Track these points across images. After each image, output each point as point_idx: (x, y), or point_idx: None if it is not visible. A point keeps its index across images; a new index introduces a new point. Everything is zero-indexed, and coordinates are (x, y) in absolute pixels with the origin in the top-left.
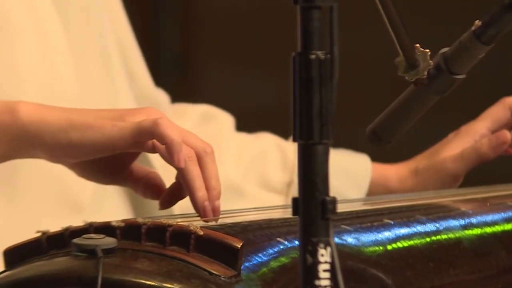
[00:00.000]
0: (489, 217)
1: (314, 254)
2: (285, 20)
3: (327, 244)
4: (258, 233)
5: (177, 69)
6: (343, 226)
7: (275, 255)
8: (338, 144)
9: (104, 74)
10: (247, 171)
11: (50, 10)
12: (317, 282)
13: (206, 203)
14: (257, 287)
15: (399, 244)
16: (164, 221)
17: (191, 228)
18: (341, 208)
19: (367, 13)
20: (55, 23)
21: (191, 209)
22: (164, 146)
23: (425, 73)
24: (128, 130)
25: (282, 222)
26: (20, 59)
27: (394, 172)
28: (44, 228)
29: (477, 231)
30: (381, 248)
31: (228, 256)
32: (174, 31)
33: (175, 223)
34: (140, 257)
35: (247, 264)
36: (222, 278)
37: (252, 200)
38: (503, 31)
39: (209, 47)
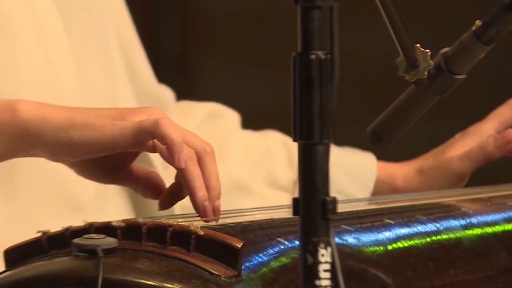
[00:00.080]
0: (489, 217)
1: (315, 254)
2: (285, 20)
3: (327, 244)
4: (258, 233)
5: (177, 69)
6: (343, 226)
7: (275, 255)
8: (339, 144)
9: (105, 74)
10: (253, 168)
11: (50, 10)
12: (317, 282)
13: (206, 203)
14: (258, 287)
15: (400, 244)
16: (165, 221)
17: (192, 228)
18: (341, 208)
19: (367, 13)
20: (56, 22)
21: (191, 209)
22: (164, 146)
23: (426, 73)
24: (129, 129)
25: (283, 222)
26: (20, 59)
27: (400, 171)
28: (44, 228)
29: (477, 231)
30: (381, 248)
31: (228, 256)
32: (174, 31)
33: (175, 223)
34: (140, 257)
35: (247, 264)
36: (223, 278)
37: (259, 198)
38: (504, 31)
39: (209, 47)
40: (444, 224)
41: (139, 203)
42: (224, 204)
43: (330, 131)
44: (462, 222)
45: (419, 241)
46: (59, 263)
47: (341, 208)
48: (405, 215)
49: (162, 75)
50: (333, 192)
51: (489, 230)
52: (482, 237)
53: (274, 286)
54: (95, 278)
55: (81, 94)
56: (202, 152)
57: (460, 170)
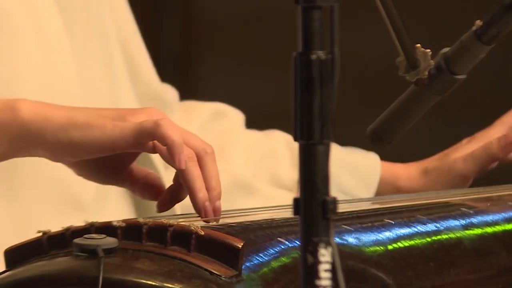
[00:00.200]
0: (489, 217)
1: (315, 254)
2: (286, 20)
3: (328, 244)
4: (259, 233)
5: (177, 69)
6: (343, 226)
7: (276, 255)
8: (339, 144)
9: (105, 73)
10: (257, 168)
11: (51, 9)
12: (318, 282)
13: (207, 203)
14: (258, 287)
15: (400, 244)
16: (165, 221)
17: (192, 228)
18: (342, 208)
19: (367, 13)
20: (56, 22)
21: (192, 209)
22: (165, 147)
23: (426, 73)
24: (130, 130)
25: (283, 222)
26: (20, 58)
27: (403, 171)
28: (45, 227)
29: (478, 231)
30: (382, 248)
31: (229, 256)
32: (175, 31)
33: (176, 223)
34: (141, 257)
35: (248, 264)
36: (223, 278)
37: (262, 197)
38: (504, 31)
39: (210, 47)
40: (444, 224)
41: (140, 203)
42: (227, 204)
43: (331, 131)
44: (463, 222)
45: (419, 241)
46: (60, 263)
47: (341, 208)
48: (405, 215)
49: (162, 75)
50: (337, 192)
51: (489, 230)
52: (482, 237)
53: (275, 286)
54: (95, 278)
55: (81, 93)
56: (202, 153)
57: (463, 171)
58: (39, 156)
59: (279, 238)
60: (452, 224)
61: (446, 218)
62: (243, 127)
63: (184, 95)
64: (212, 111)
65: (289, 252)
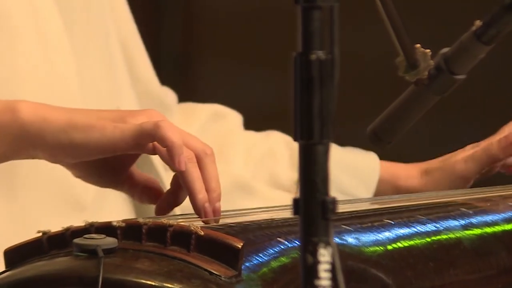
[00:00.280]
0: (489, 217)
1: (315, 254)
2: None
3: (327, 244)
4: (258, 233)
5: (177, 69)
6: (343, 226)
7: (275, 255)
8: (339, 144)
9: (106, 74)
10: (256, 169)
11: (51, 9)
12: (317, 282)
13: (207, 204)
14: (258, 287)
15: (400, 244)
16: (165, 221)
17: (192, 228)
18: (341, 208)
19: (367, 13)
20: (56, 22)
21: (191, 209)
22: (164, 148)
23: (426, 73)
24: (130, 132)
25: (283, 222)
26: (20, 59)
27: (403, 170)
28: (45, 227)
29: (477, 231)
30: (381, 248)
31: (228, 256)
32: (175, 30)
33: (175, 223)
34: (140, 257)
35: (247, 264)
36: (223, 278)
37: (261, 198)
38: (504, 31)
39: (210, 47)
40: (444, 224)
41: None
42: (227, 205)
43: (330, 131)
44: (462, 222)
45: (419, 241)
46: (60, 263)
47: (341, 208)
48: (405, 215)
49: (163, 75)
50: (336, 192)
51: (489, 230)
52: (482, 237)
53: (274, 286)
54: (95, 278)
55: (81, 94)
56: (202, 154)
57: (464, 172)
58: (39, 158)
59: (278, 238)
60: (452, 224)
61: (445, 218)
62: (242, 128)
63: (184, 95)
64: (211, 113)
65: (288, 252)
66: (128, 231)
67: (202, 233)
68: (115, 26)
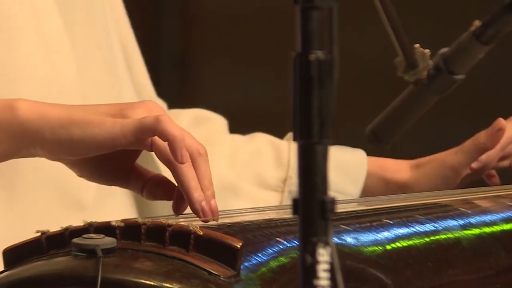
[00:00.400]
0: (488, 217)
1: (314, 254)
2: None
3: (326, 244)
4: (257, 233)
5: (177, 70)
6: (342, 226)
7: (274, 255)
8: (338, 144)
9: (107, 73)
10: (241, 170)
11: (51, 9)
12: (316, 282)
13: (204, 203)
14: (257, 287)
15: (398, 244)
16: (164, 221)
17: (191, 228)
18: (340, 207)
19: (367, 13)
20: (56, 22)
21: (190, 210)
22: (163, 143)
23: (425, 73)
24: (130, 126)
25: (282, 222)
26: (21, 58)
27: (392, 163)
28: (46, 227)
29: (476, 231)
30: (380, 248)
31: (227, 256)
32: (174, 31)
33: (174, 223)
34: (139, 257)
35: (246, 264)
36: (222, 278)
37: (248, 199)
38: (503, 31)
39: (209, 48)
40: (442, 224)
41: (141, 202)
42: (219, 206)
43: (330, 131)
44: (461, 222)
45: (417, 241)
46: (58, 263)
47: (340, 208)
48: (403, 215)
49: (162, 75)
50: None
51: (487, 230)
52: (480, 237)
53: (273, 286)
54: (94, 278)
55: (82, 93)
56: (196, 153)
57: (454, 163)
58: (39, 156)
59: (277, 238)
60: (451, 224)
61: (444, 218)
62: (227, 132)
63: (184, 96)
64: (193, 116)
65: (287, 252)
66: (127, 231)
67: (201, 233)
68: (116, 26)
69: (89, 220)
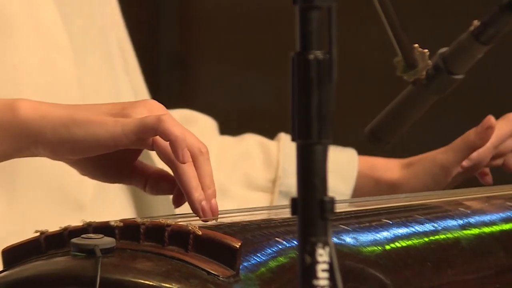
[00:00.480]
0: (487, 217)
1: (313, 254)
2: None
3: (325, 244)
4: (256, 232)
5: (176, 69)
6: (341, 226)
7: (273, 255)
8: (338, 145)
9: (106, 72)
10: (230, 171)
11: (50, 7)
12: (315, 282)
13: (204, 202)
14: (256, 287)
15: (398, 244)
16: (163, 221)
17: (190, 228)
18: (339, 207)
19: (367, 13)
20: (55, 20)
21: (189, 209)
22: (164, 143)
23: (424, 73)
24: (131, 126)
25: (281, 222)
26: (20, 58)
27: (383, 162)
28: (45, 227)
29: (475, 231)
30: (379, 248)
31: (226, 256)
32: (174, 31)
33: (173, 223)
34: (138, 257)
35: (245, 264)
36: (221, 278)
37: (237, 200)
38: (502, 31)
39: (209, 47)
40: (442, 224)
41: (140, 202)
42: None
43: (329, 131)
44: (460, 222)
45: (417, 241)
46: (57, 262)
47: (338, 208)
48: (403, 215)
49: (161, 75)
50: None
51: (487, 230)
52: (480, 237)
53: (272, 286)
54: (93, 278)
55: (81, 92)
56: (197, 152)
57: (444, 161)
58: (40, 155)
59: (276, 238)
60: (450, 224)
61: (443, 218)
62: (216, 133)
63: (183, 95)
64: (180, 117)
65: (286, 252)
66: (126, 231)
67: (200, 232)
68: (114, 27)
69: (88, 220)
